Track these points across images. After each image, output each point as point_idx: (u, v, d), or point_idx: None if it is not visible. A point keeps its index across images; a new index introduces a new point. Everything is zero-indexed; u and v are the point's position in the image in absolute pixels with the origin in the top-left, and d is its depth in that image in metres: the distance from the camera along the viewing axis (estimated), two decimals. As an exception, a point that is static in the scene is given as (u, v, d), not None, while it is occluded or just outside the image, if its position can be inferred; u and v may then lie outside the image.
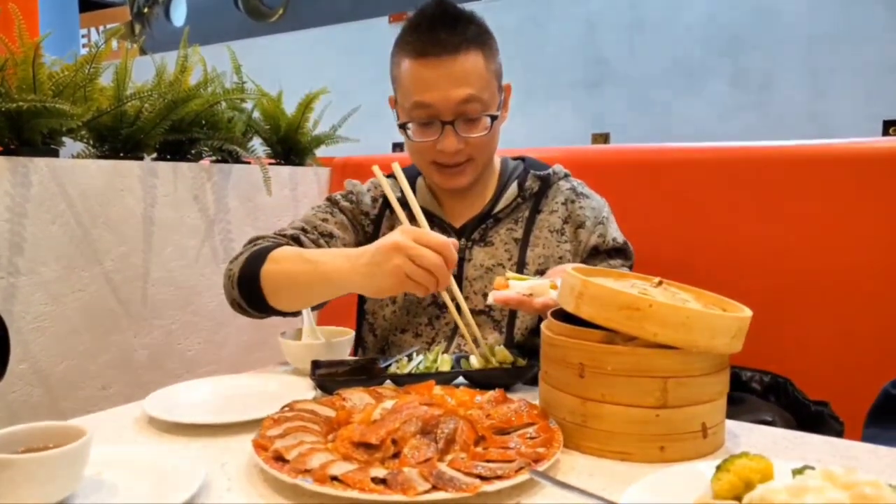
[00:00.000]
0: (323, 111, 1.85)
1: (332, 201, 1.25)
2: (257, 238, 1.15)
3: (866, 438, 0.82)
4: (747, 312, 0.74)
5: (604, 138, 3.08)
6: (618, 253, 1.17)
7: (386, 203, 1.24)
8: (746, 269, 1.30)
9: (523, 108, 3.24)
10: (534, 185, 1.20)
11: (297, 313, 1.11)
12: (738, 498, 0.58)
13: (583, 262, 1.16)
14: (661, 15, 2.99)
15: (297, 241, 1.14)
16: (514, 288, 0.89)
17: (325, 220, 1.20)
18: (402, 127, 1.14)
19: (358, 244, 1.23)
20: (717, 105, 2.87)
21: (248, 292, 1.04)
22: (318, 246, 1.15)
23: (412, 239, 0.87)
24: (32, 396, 1.30)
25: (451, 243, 0.88)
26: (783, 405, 1.10)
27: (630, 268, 1.17)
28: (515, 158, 1.27)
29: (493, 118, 1.10)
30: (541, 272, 1.13)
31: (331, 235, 1.18)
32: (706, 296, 0.82)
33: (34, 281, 1.29)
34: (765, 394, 1.12)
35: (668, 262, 1.29)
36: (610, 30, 3.12)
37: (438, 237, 0.87)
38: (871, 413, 0.89)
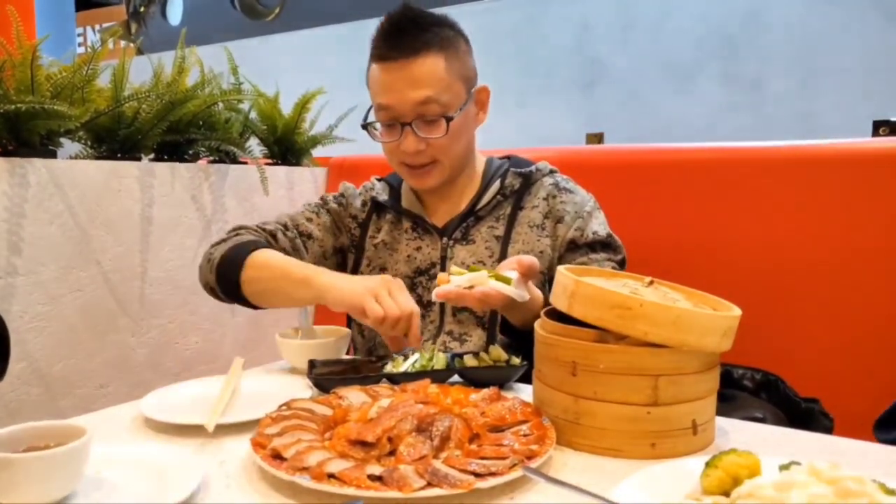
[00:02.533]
0: (319, 111, 1.86)
1: (323, 201, 1.30)
2: (240, 228, 1.20)
3: (886, 442, 0.83)
4: (737, 312, 0.76)
5: (598, 138, 3.09)
6: (602, 247, 1.16)
7: (374, 207, 1.27)
8: (738, 269, 1.31)
9: (518, 108, 3.25)
10: (514, 182, 1.21)
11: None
12: (727, 493, 0.59)
13: (560, 256, 1.17)
14: (654, 16, 3.01)
15: (273, 237, 1.19)
16: (454, 282, 0.89)
17: (309, 219, 1.25)
18: (364, 128, 1.17)
19: (340, 247, 1.28)
20: (709, 105, 2.88)
21: (226, 278, 1.10)
22: (294, 245, 1.21)
23: (387, 292, 0.94)
24: (31, 395, 1.30)
25: (415, 313, 0.93)
26: (774, 402, 1.12)
27: (620, 262, 1.17)
28: (502, 157, 1.29)
29: (449, 119, 1.11)
30: None
31: (309, 236, 1.23)
32: (697, 295, 0.84)
33: (32, 281, 1.29)
34: (756, 391, 1.13)
35: (660, 261, 1.30)
36: (604, 31, 3.14)
37: (408, 304, 0.93)
38: (879, 423, 0.90)
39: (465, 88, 1.15)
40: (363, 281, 0.97)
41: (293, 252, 1.20)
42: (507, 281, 0.89)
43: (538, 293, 1.01)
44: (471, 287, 0.88)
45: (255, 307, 1.14)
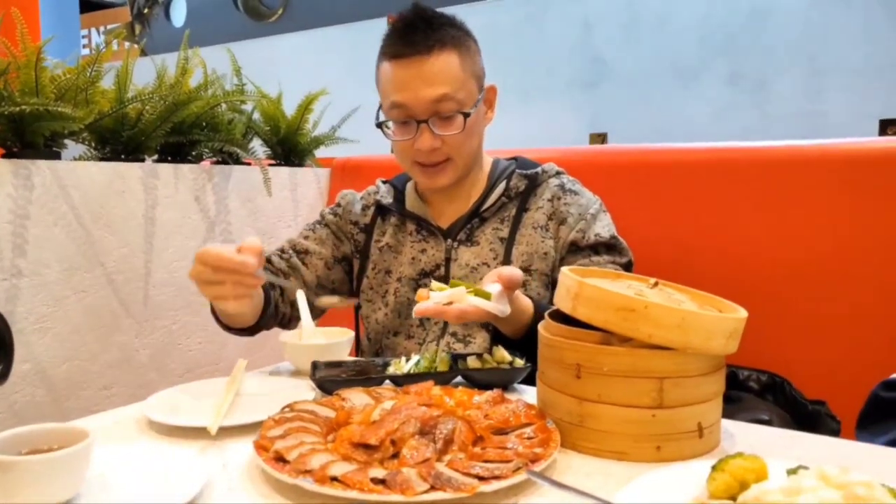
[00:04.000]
0: (322, 112, 1.86)
1: (320, 217, 1.33)
2: None
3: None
4: (742, 313, 0.75)
5: (601, 138, 3.08)
6: (606, 249, 1.15)
7: (378, 210, 1.27)
8: (744, 269, 1.30)
9: (521, 108, 3.24)
10: (519, 184, 1.20)
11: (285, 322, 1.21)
12: (734, 498, 0.58)
13: (562, 259, 1.16)
14: (658, 15, 2.99)
15: (269, 261, 1.24)
16: (433, 298, 0.89)
17: (306, 237, 1.30)
18: (379, 126, 1.17)
19: (343, 255, 1.29)
20: (714, 105, 2.87)
21: (217, 319, 1.16)
22: (291, 265, 1.25)
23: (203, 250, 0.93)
24: (35, 397, 1.30)
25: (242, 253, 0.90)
26: (780, 404, 1.11)
27: (626, 265, 1.16)
28: (509, 159, 1.28)
29: (467, 115, 1.12)
30: (524, 269, 1.15)
31: (307, 252, 1.27)
32: (702, 296, 0.83)
33: (36, 282, 1.30)
34: (762, 393, 1.13)
35: (665, 262, 1.29)
36: (607, 29, 3.12)
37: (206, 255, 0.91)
38: (860, 419, 0.89)
39: (476, 87, 1.16)
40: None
41: (290, 271, 1.24)
42: (486, 296, 0.88)
43: (527, 303, 1.00)
44: (450, 303, 0.88)
45: (262, 328, 1.17)
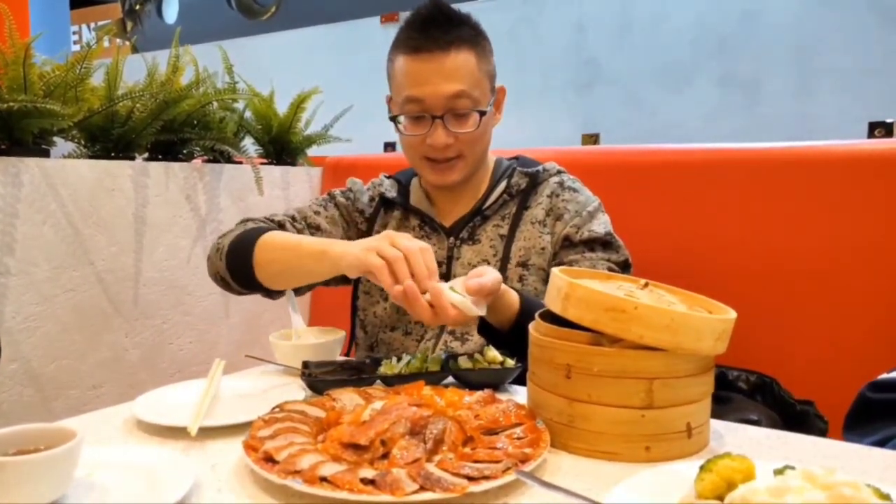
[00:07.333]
0: (315, 111, 1.86)
1: (330, 196, 1.30)
2: (248, 220, 1.20)
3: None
4: (732, 314, 0.75)
5: (594, 139, 3.09)
6: (602, 246, 1.15)
7: (381, 203, 1.27)
8: (734, 270, 1.31)
9: (514, 109, 3.23)
10: (521, 181, 1.21)
11: (275, 294, 1.14)
12: (721, 498, 0.59)
13: (555, 254, 1.17)
14: (651, 17, 3.00)
15: (282, 227, 1.18)
16: None
17: (317, 212, 1.25)
18: (394, 120, 1.16)
19: (347, 239, 1.27)
20: (705, 106, 2.88)
21: (237, 264, 1.08)
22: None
23: (388, 241, 0.91)
24: (23, 396, 1.29)
25: (421, 249, 0.89)
26: (769, 404, 1.12)
27: (622, 263, 1.16)
28: (510, 158, 1.29)
29: (482, 114, 1.12)
30: (522, 264, 1.15)
31: (318, 228, 1.22)
32: (692, 297, 0.83)
33: (25, 281, 1.29)
34: (751, 393, 1.14)
35: (656, 262, 1.30)
36: (600, 32, 3.13)
37: (411, 244, 0.89)
38: (848, 419, 0.90)
39: (489, 87, 1.17)
40: (368, 240, 0.95)
41: None
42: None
43: (514, 297, 1.00)
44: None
45: (266, 292, 1.12)
